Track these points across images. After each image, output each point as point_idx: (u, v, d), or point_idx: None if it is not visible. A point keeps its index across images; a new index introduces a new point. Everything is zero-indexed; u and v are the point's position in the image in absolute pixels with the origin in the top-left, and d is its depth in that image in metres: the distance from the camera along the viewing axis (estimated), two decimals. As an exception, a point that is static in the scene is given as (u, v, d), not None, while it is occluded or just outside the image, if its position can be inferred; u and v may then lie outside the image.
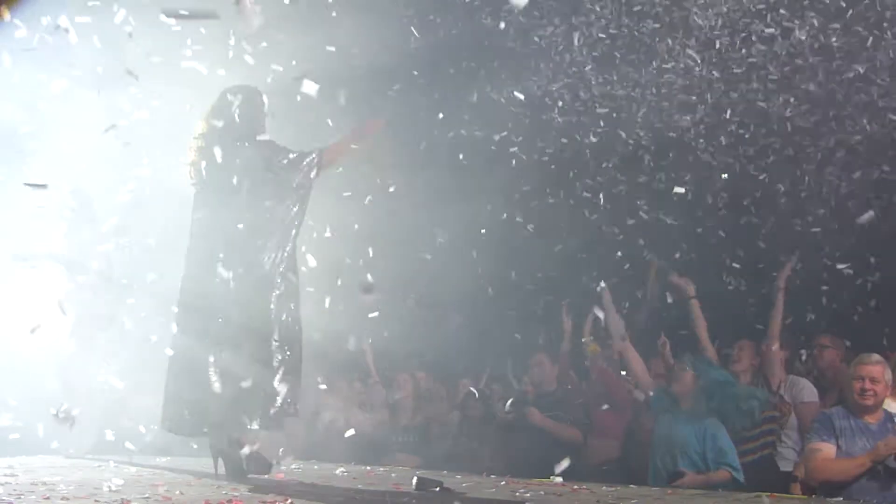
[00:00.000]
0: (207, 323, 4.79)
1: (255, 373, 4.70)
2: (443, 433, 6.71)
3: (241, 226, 4.83)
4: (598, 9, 6.75)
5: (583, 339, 6.48)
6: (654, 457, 5.60)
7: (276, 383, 4.72)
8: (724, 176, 6.72)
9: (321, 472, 5.44)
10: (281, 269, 4.88)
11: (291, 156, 4.97)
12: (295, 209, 4.98)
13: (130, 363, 6.37)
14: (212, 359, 4.70)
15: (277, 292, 4.86)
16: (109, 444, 6.23)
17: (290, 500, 3.94)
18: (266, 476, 4.83)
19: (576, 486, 4.84)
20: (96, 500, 3.85)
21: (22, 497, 3.87)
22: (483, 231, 7.15)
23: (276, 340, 4.81)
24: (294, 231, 4.98)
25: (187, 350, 4.78)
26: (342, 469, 5.62)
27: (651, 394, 5.84)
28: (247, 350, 4.75)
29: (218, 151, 4.87)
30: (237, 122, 4.97)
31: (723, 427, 5.51)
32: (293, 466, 5.60)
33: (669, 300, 6.29)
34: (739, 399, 5.60)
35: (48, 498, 3.90)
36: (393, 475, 5.34)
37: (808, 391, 5.83)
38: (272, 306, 4.85)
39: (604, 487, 4.84)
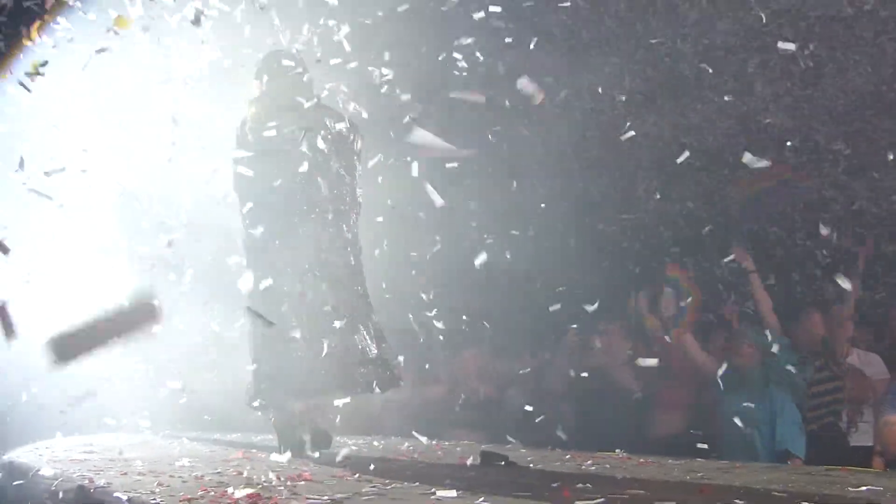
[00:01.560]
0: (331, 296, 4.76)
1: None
2: (506, 408, 6.74)
3: (326, 192, 4.78)
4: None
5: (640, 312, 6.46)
6: (726, 432, 5.57)
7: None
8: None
9: (386, 448, 5.50)
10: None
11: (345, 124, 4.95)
12: (359, 174, 5.00)
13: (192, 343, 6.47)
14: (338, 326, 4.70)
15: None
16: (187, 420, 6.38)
17: (357, 475, 4.00)
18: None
19: (641, 460, 4.82)
20: (171, 476, 3.95)
21: (100, 473, 3.99)
22: (542, 205, 7.12)
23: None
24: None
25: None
26: (407, 444, 5.68)
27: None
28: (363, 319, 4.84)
29: (282, 115, 4.81)
30: (290, 86, 4.93)
31: (789, 400, 5.47)
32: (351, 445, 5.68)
33: None
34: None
35: (125, 473, 4.02)
36: (458, 449, 5.38)
37: (877, 366, 5.74)
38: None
39: (669, 460, 4.82)
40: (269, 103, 4.90)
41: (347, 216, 4.88)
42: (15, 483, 3.74)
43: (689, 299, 6.38)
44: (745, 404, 5.52)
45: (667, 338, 6.27)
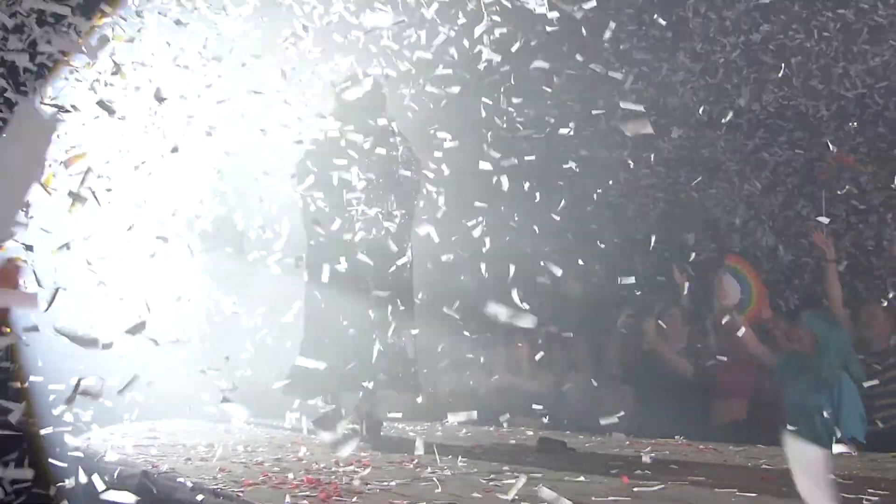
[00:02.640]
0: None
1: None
2: (564, 394, 6.72)
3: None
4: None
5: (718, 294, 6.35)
6: (788, 419, 5.49)
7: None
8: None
9: (445, 433, 5.53)
10: None
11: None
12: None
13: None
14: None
15: None
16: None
17: (416, 461, 4.02)
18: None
19: (702, 446, 4.78)
20: (232, 461, 4.02)
21: (164, 459, 4.07)
22: (599, 190, 7.08)
23: None
24: None
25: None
26: (465, 430, 5.70)
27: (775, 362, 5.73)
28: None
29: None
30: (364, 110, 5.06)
31: (853, 388, 5.36)
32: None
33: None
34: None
35: (188, 459, 4.09)
36: (517, 436, 5.38)
37: None
38: None
39: (730, 447, 4.77)
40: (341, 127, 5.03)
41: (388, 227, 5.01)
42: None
43: (753, 291, 6.30)
44: (808, 391, 5.44)
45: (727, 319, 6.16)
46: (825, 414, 5.33)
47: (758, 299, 6.48)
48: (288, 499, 2.96)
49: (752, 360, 6.02)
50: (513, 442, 5.09)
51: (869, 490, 3.16)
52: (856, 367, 5.48)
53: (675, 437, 5.17)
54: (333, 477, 3.51)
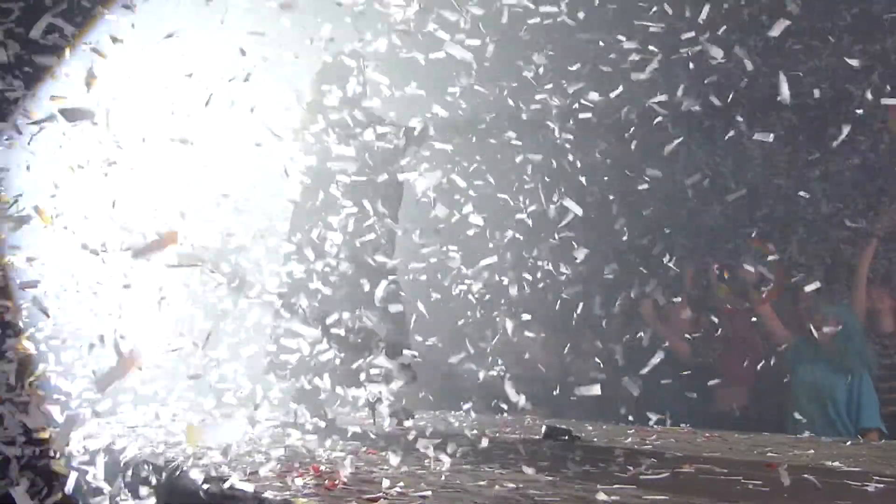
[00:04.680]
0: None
1: None
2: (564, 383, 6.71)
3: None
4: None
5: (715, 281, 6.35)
6: (796, 404, 5.49)
7: None
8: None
9: (452, 423, 5.54)
10: None
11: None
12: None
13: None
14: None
15: None
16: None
17: (421, 450, 4.02)
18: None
19: (707, 434, 4.78)
20: (239, 453, 4.02)
21: (170, 448, 4.08)
22: (605, 178, 7.03)
23: None
24: None
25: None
26: (473, 419, 5.70)
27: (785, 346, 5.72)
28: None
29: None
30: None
31: (868, 376, 5.36)
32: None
33: None
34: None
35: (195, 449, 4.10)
36: (522, 425, 5.38)
37: None
38: None
39: (735, 434, 4.77)
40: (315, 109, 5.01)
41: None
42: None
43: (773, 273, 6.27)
44: (823, 376, 5.44)
45: (741, 306, 6.14)
46: (840, 402, 5.34)
47: (778, 281, 6.45)
48: (294, 487, 2.97)
49: (758, 346, 6.01)
50: (518, 431, 5.09)
51: (875, 478, 3.17)
52: (870, 355, 5.48)
53: (681, 424, 5.17)
54: (340, 466, 3.51)
